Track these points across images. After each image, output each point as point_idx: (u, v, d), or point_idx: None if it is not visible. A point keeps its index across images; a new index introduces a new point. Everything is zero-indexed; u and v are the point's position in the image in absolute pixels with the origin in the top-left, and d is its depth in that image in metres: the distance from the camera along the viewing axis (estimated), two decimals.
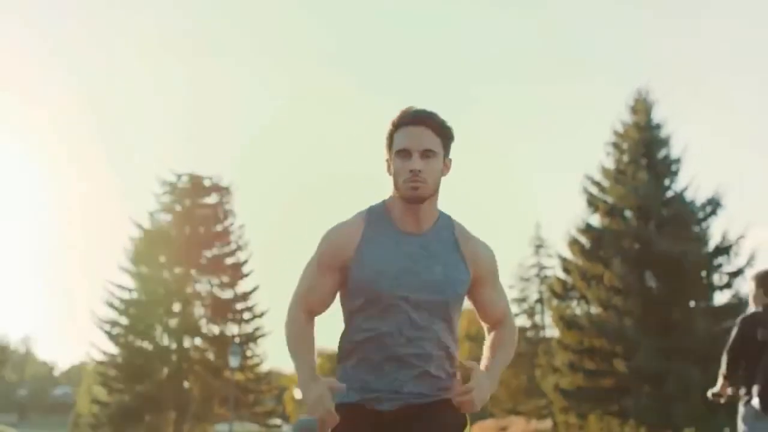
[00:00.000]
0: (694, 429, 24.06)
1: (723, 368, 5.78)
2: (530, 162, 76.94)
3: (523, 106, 77.96)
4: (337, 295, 2.86)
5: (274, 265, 79.30)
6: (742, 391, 5.70)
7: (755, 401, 5.55)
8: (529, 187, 77.75)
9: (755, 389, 5.56)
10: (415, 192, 2.70)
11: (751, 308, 5.87)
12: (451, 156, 2.82)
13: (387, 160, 2.80)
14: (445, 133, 2.76)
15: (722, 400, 5.89)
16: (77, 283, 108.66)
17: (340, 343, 2.85)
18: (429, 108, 2.79)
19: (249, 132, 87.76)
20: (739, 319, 5.82)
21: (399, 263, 2.73)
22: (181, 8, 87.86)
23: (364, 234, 2.78)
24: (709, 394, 5.99)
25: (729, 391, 5.80)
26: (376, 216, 2.81)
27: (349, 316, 2.81)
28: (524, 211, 76.02)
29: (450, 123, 2.80)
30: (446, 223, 2.83)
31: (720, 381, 5.86)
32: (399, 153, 2.72)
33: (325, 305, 2.85)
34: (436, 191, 2.77)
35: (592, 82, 76.73)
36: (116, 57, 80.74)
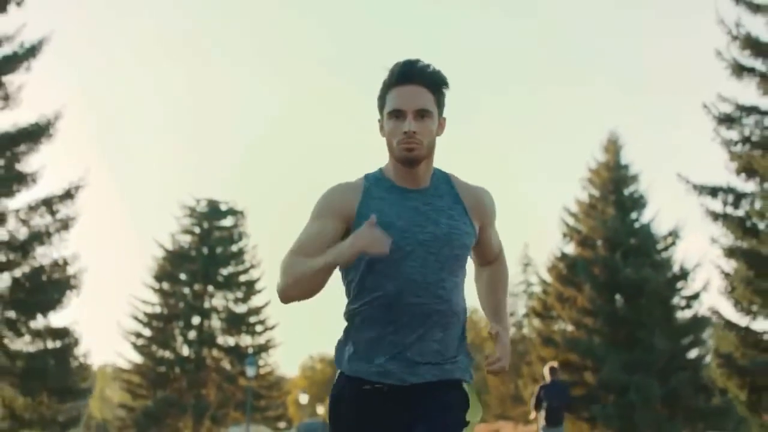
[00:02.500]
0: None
1: (532, 407, 12.18)
2: (524, 170, 79.52)
3: (520, 110, 79.72)
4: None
5: None
6: (541, 416, 12.12)
7: (543, 423, 12.02)
8: (524, 196, 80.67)
9: (542, 414, 12.03)
10: (410, 153, 2.66)
11: (546, 381, 12.48)
12: (445, 115, 2.76)
13: (379, 121, 2.75)
14: (439, 89, 2.71)
15: (536, 422, 12.33)
16: (84, 288, 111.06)
17: (345, 314, 2.78)
18: (423, 61, 2.72)
19: (249, 136, 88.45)
20: (538, 387, 12.40)
21: (405, 216, 2.69)
22: (180, 10, 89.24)
23: (366, 191, 2.74)
24: (530, 417, 12.69)
25: (538, 418, 12.20)
26: (374, 178, 2.78)
27: (353, 281, 2.75)
28: (516, 223, 78.71)
29: (443, 73, 2.73)
30: (442, 176, 2.81)
31: (533, 413, 12.25)
32: (392, 114, 2.67)
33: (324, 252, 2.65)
34: (431, 152, 2.72)
35: (592, 84, 78.29)
36: (115, 59, 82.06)
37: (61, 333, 20.60)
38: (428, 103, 2.67)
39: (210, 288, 38.09)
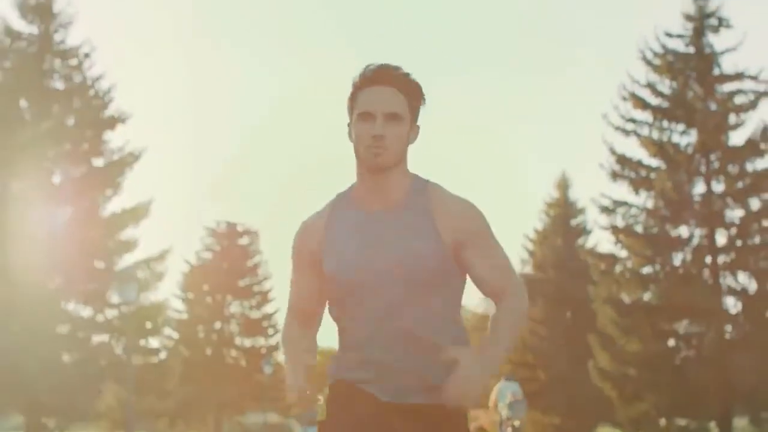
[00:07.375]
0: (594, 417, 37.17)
1: None
2: (510, 156, 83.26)
3: (510, 95, 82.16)
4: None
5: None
6: None
7: None
8: (512, 185, 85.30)
9: None
10: (376, 159, 2.56)
11: None
12: (419, 123, 2.65)
13: (348, 125, 2.65)
14: (413, 94, 2.62)
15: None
16: None
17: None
18: (400, 66, 2.62)
19: (249, 131, 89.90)
20: None
21: (362, 247, 2.62)
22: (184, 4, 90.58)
23: (328, 223, 2.69)
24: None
25: None
26: (341, 201, 2.71)
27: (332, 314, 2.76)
28: (509, 209, 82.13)
29: (419, 81, 2.62)
30: (420, 189, 2.66)
31: None
32: (361, 116, 2.58)
33: (317, 304, 2.80)
34: (401, 160, 2.62)
35: (583, 68, 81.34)
36: (117, 50, 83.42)
37: (156, 351, 30.16)
38: (401, 107, 2.58)
39: (229, 297, 44.33)
